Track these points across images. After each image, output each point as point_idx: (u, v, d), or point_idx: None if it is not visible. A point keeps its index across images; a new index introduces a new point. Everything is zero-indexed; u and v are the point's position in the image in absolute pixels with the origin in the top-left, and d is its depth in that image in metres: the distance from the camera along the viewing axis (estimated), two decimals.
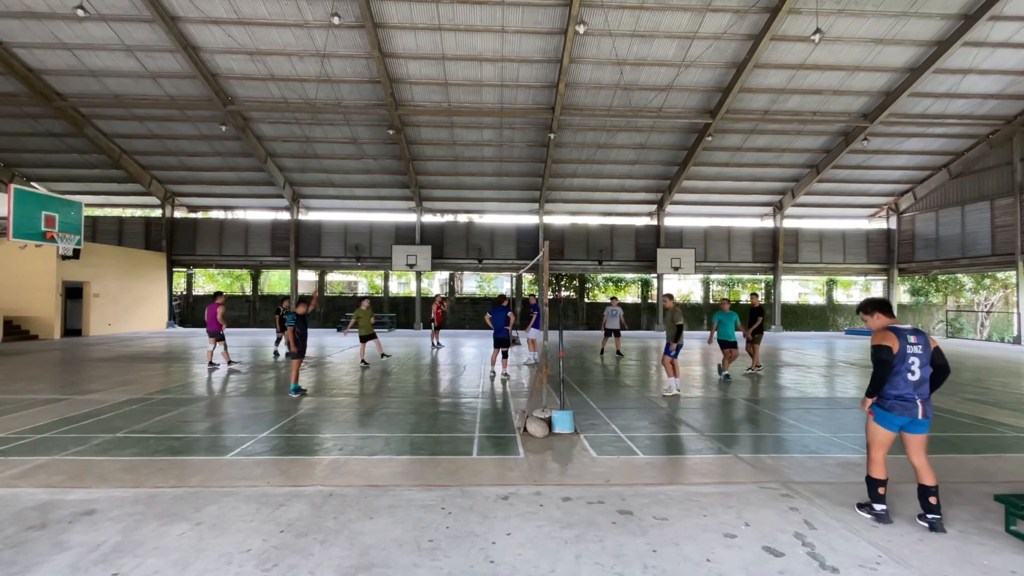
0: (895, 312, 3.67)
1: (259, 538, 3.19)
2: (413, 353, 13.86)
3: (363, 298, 11.28)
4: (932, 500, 3.37)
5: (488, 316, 9.80)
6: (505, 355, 9.69)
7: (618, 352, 13.54)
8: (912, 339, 3.41)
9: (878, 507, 3.52)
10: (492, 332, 9.84)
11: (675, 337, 7.92)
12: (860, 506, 3.67)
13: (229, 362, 10.85)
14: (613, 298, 14.17)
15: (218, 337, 10.59)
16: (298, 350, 7.79)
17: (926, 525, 3.39)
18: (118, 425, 5.92)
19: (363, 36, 15.05)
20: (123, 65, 16.24)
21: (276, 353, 13.08)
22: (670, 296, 8.57)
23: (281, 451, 5.04)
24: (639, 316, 25.72)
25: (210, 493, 3.90)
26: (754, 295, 10.75)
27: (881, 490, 3.50)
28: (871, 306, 3.65)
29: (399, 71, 16.56)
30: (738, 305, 26.90)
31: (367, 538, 3.20)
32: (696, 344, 16.44)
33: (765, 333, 12.98)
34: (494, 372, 9.90)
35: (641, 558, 2.99)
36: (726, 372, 9.71)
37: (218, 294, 11.09)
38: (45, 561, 2.90)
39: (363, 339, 11.32)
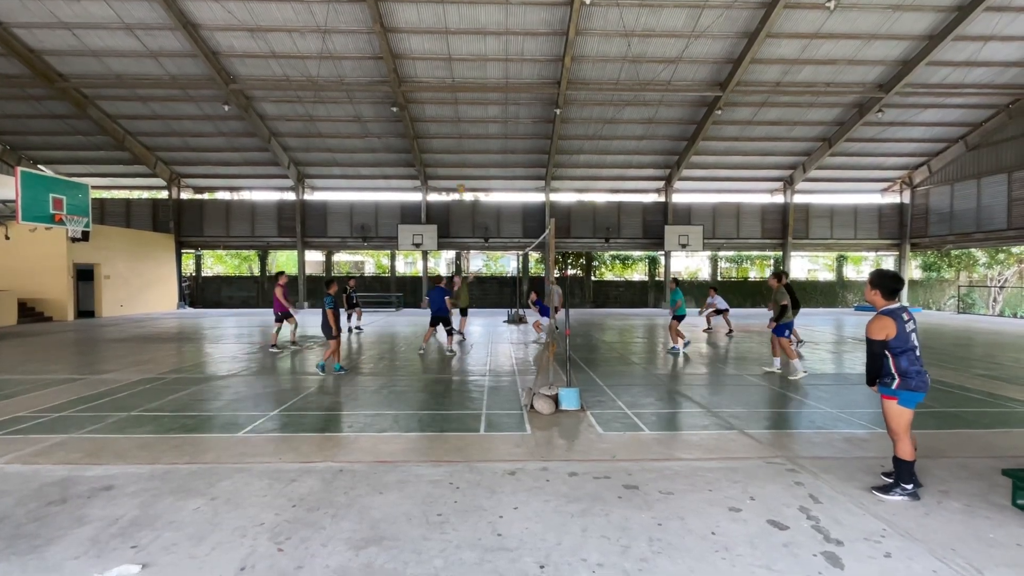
0: (903, 290, 3.55)
1: (272, 512, 3.26)
2: (421, 332, 13.95)
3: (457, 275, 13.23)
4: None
5: (426, 299, 10.01)
6: (450, 332, 10.02)
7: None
8: (905, 316, 3.50)
9: (910, 487, 3.49)
10: (432, 310, 9.93)
11: (778, 316, 7.92)
12: (882, 489, 3.55)
13: (293, 343, 10.84)
14: (557, 278, 14.61)
15: (284, 317, 10.47)
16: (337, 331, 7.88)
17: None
18: (133, 404, 6.04)
19: (364, 10, 14.73)
20: (123, 44, 16.06)
21: (351, 329, 13.85)
22: (777, 276, 8.22)
23: (292, 428, 5.12)
24: (646, 294, 25.64)
25: (224, 469, 3.98)
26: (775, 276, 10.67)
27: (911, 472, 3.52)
28: (876, 280, 3.60)
29: (401, 46, 16.24)
30: (746, 282, 26.77)
31: (377, 512, 3.27)
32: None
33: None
34: (423, 348, 10.13)
35: (647, 531, 3.03)
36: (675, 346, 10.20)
37: (280, 274, 10.71)
38: (67, 534, 2.98)
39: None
